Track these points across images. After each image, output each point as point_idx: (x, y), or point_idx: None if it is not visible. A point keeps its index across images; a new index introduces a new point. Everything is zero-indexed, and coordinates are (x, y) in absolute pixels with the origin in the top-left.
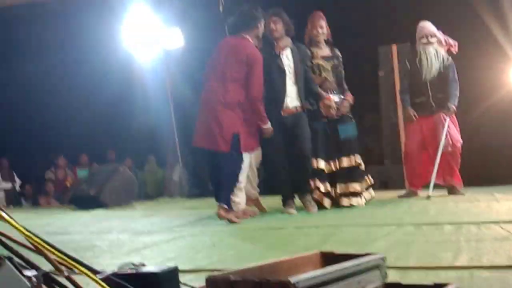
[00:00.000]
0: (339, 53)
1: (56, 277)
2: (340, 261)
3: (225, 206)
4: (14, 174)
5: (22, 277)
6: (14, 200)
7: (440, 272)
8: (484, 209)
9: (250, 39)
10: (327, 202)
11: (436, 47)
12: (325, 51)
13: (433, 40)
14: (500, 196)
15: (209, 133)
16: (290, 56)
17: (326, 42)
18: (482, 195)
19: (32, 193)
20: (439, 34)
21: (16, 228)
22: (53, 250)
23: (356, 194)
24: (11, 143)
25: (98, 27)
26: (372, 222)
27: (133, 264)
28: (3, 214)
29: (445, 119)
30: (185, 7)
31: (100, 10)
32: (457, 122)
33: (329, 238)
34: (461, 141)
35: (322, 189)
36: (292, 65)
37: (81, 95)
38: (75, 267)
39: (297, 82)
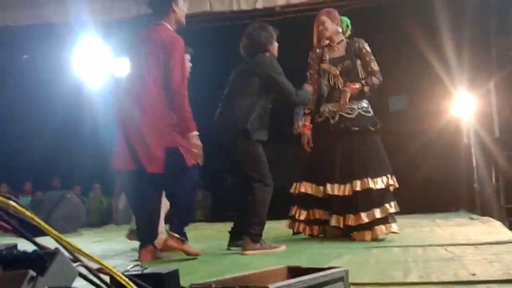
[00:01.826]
0: (359, 45)
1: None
2: (306, 274)
3: (178, 236)
4: None
5: (73, 265)
6: None
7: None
8: (428, 234)
9: (167, 25)
10: (315, 229)
11: None
12: (337, 52)
13: None
14: (441, 222)
15: (132, 152)
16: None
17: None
18: (425, 221)
19: None
20: None
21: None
22: (76, 247)
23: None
24: None
25: (47, 55)
26: (323, 245)
27: (140, 266)
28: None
29: None
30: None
31: (49, 39)
32: None
33: (285, 261)
34: None
35: (302, 217)
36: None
37: (28, 122)
38: (100, 263)
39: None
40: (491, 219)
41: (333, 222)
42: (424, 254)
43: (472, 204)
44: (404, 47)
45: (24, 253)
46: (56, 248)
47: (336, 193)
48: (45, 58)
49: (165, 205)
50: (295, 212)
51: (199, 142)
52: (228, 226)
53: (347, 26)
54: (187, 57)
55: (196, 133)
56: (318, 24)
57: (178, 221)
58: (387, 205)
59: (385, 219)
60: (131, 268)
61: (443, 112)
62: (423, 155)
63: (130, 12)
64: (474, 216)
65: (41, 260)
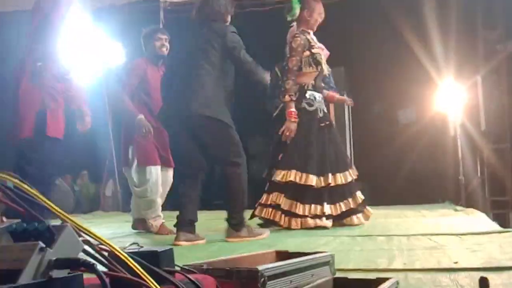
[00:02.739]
0: None
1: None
2: (294, 258)
3: None
4: None
5: (79, 238)
6: None
7: (378, 274)
8: (413, 224)
9: None
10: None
11: None
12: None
13: None
14: (426, 213)
15: None
16: None
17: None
18: (410, 212)
19: None
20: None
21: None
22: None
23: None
24: None
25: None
26: (308, 233)
27: (137, 245)
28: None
29: None
30: (126, 22)
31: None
32: None
33: (272, 248)
34: None
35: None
36: None
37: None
38: (102, 240)
39: None
40: (475, 210)
41: (330, 211)
42: (408, 243)
43: (458, 196)
44: (391, 39)
45: (33, 226)
46: (64, 222)
47: (338, 182)
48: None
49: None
50: (276, 199)
51: None
52: (214, 214)
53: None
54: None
55: None
56: (319, 11)
57: None
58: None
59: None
60: (128, 246)
61: (430, 104)
62: (410, 147)
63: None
64: (458, 207)
65: (50, 233)
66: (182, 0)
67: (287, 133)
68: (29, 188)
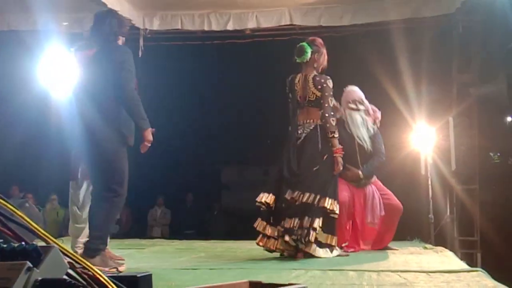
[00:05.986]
0: None
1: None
2: None
3: None
4: None
5: (64, 260)
6: None
7: None
8: (382, 260)
9: None
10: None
11: (362, 115)
12: None
13: (361, 107)
14: (395, 249)
15: None
16: None
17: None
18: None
19: None
20: (367, 102)
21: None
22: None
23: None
24: None
25: (11, 63)
26: (280, 266)
27: (116, 269)
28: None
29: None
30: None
31: (14, 46)
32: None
33: (242, 279)
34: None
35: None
36: None
37: None
38: (84, 263)
39: None
40: (444, 249)
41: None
42: (379, 279)
43: (427, 234)
44: (364, 79)
45: (22, 246)
46: (52, 244)
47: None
48: (8, 66)
49: None
50: None
51: None
52: (184, 244)
53: None
54: None
55: None
56: (326, 57)
57: None
58: None
59: None
60: (108, 270)
61: (403, 144)
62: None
63: None
64: (428, 245)
65: (37, 254)
66: (163, 29)
67: (341, 167)
68: (15, 210)
